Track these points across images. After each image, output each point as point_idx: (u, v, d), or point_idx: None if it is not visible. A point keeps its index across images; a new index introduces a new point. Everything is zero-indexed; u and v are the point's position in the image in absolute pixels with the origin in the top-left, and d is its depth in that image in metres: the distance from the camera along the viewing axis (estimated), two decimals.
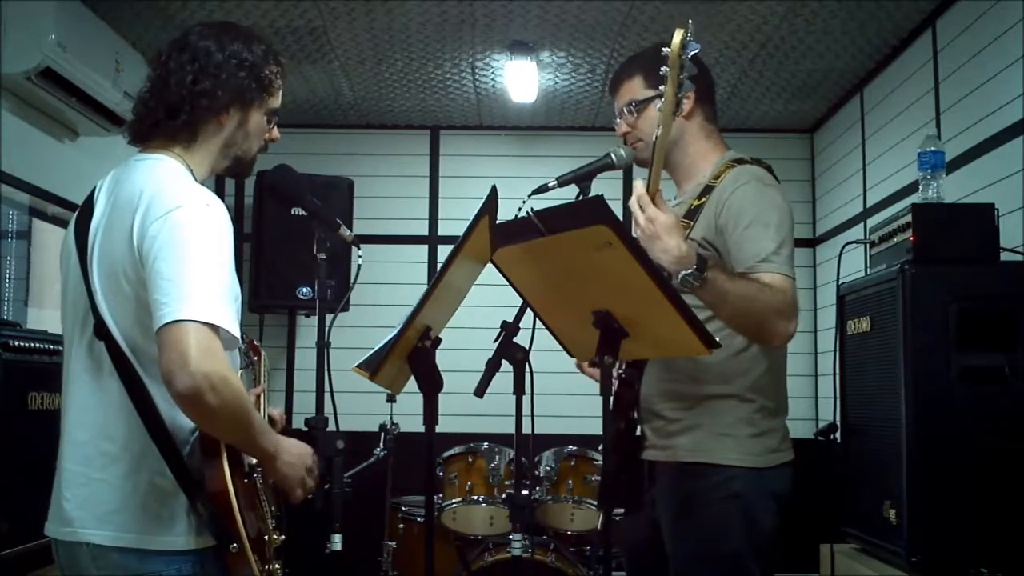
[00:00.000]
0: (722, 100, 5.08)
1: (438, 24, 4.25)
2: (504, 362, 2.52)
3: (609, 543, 2.24)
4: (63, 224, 4.00)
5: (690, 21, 2.02)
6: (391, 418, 4.31)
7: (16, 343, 2.79)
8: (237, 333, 1.78)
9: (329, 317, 2.67)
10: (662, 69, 2.02)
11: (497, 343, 2.52)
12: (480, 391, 2.43)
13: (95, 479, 1.80)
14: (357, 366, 2.18)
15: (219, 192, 5.20)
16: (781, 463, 2.38)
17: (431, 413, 2.22)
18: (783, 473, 2.38)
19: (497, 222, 2.19)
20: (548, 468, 4.31)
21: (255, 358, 2.47)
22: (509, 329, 2.52)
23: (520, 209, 2.15)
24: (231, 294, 1.79)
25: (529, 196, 2.33)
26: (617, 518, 3.34)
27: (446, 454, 4.40)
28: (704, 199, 2.41)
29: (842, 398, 3.49)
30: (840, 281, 3.55)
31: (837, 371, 3.50)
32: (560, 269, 2.17)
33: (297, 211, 2.71)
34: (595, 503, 4.16)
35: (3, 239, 3.94)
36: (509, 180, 3.59)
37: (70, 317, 1.90)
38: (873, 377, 3.21)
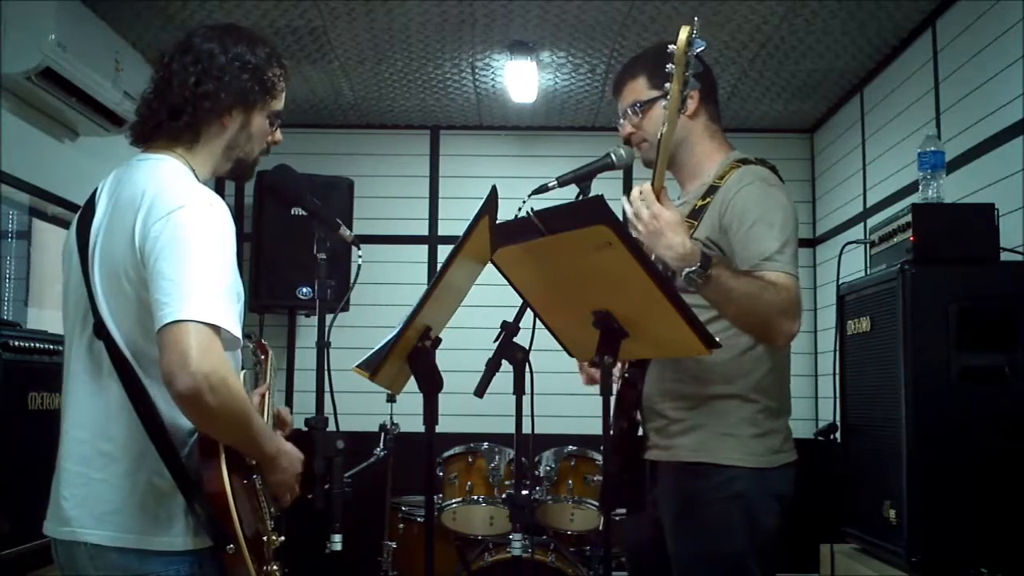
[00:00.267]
0: (722, 100, 5.02)
1: (438, 24, 4.25)
2: (504, 362, 2.52)
3: (609, 543, 2.24)
4: (63, 224, 4.01)
5: (696, 18, 2.02)
6: (391, 418, 4.31)
7: (16, 343, 2.79)
8: (239, 333, 1.78)
9: (329, 317, 2.67)
10: (668, 66, 2.01)
11: (497, 343, 2.52)
12: (480, 391, 2.42)
13: (94, 479, 1.80)
14: (357, 366, 2.18)
15: (219, 192, 5.17)
16: (784, 464, 2.38)
17: (431, 413, 2.22)
18: (786, 474, 2.38)
19: (497, 222, 2.19)
20: (548, 468, 4.31)
21: (262, 357, 2.47)
22: (509, 329, 2.52)
23: (520, 209, 2.15)
24: (233, 294, 1.79)
25: (529, 196, 2.33)
26: (618, 518, 3.35)
27: (446, 454, 4.40)
28: (708, 199, 2.40)
29: (842, 398, 3.49)
30: (840, 281, 3.55)
31: (837, 371, 3.50)
32: (560, 269, 2.17)
33: (297, 211, 2.71)
34: (595, 503, 4.16)
35: (3, 239, 3.94)
36: (509, 180, 3.59)
37: (71, 317, 1.90)
38: (873, 377, 3.21)
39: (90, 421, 1.82)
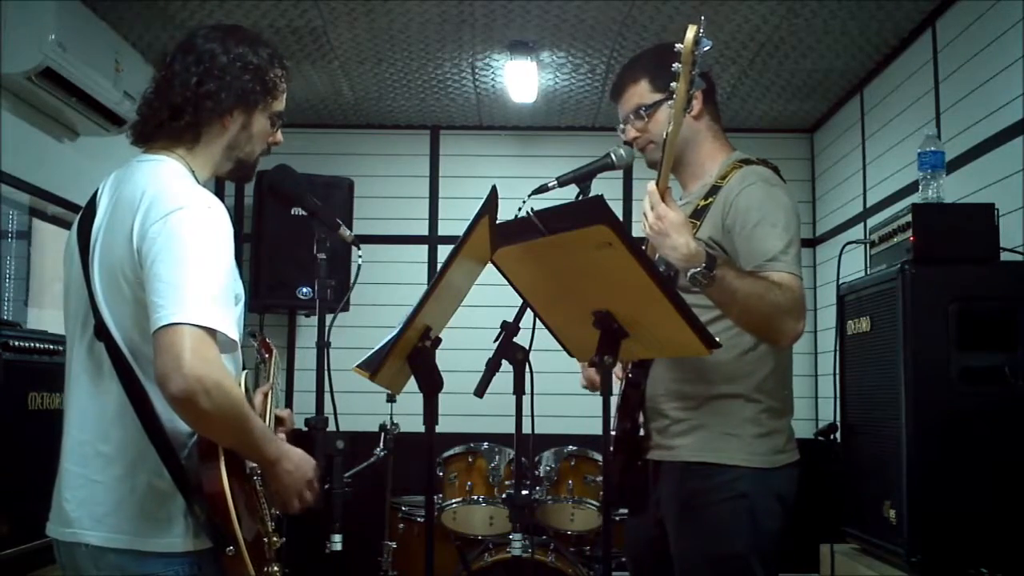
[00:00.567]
0: (722, 100, 5.06)
1: (438, 24, 4.25)
2: (504, 362, 2.52)
3: (609, 543, 2.24)
4: (63, 224, 4.01)
5: (703, 18, 2.02)
6: (391, 418, 4.31)
7: (16, 343, 2.79)
8: (235, 336, 1.78)
9: (329, 317, 2.67)
10: (674, 65, 2.01)
11: (497, 343, 2.52)
12: (480, 391, 2.43)
13: (93, 480, 1.80)
14: (357, 366, 2.18)
15: (219, 192, 5.21)
16: (786, 464, 2.38)
17: (431, 413, 2.22)
18: (788, 474, 2.38)
19: (497, 222, 2.19)
20: (548, 468, 4.31)
21: (266, 355, 2.46)
22: (509, 329, 2.52)
23: (520, 209, 2.15)
24: (230, 296, 1.79)
25: (529, 196, 2.33)
26: (619, 519, 3.35)
27: (446, 454, 4.40)
28: (711, 199, 2.40)
29: (842, 398, 3.49)
30: (840, 281, 3.55)
31: (837, 371, 3.50)
32: (560, 269, 2.17)
33: (297, 211, 2.71)
34: (595, 503, 4.16)
35: (3, 239, 3.94)
36: (509, 180, 3.59)
37: (72, 318, 1.90)
38: (873, 377, 3.21)
39: (90, 422, 1.83)
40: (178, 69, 1.91)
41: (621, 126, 2.55)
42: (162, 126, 1.91)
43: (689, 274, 2.14)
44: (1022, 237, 3.24)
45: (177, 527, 1.79)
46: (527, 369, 2.54)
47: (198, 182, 1.90)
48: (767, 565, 2.33)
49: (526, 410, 2.55)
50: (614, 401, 2.47)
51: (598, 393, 2.19)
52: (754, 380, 2.37)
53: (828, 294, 4.85)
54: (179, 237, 1.74)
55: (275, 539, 1.94)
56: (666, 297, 2.00)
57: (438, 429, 2.25)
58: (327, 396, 2.65)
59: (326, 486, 2.62)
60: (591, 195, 2.27)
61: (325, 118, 5.59)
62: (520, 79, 4.73)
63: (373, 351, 2.17)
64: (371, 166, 5.64)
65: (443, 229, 5.65)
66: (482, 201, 2.14)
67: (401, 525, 4.36)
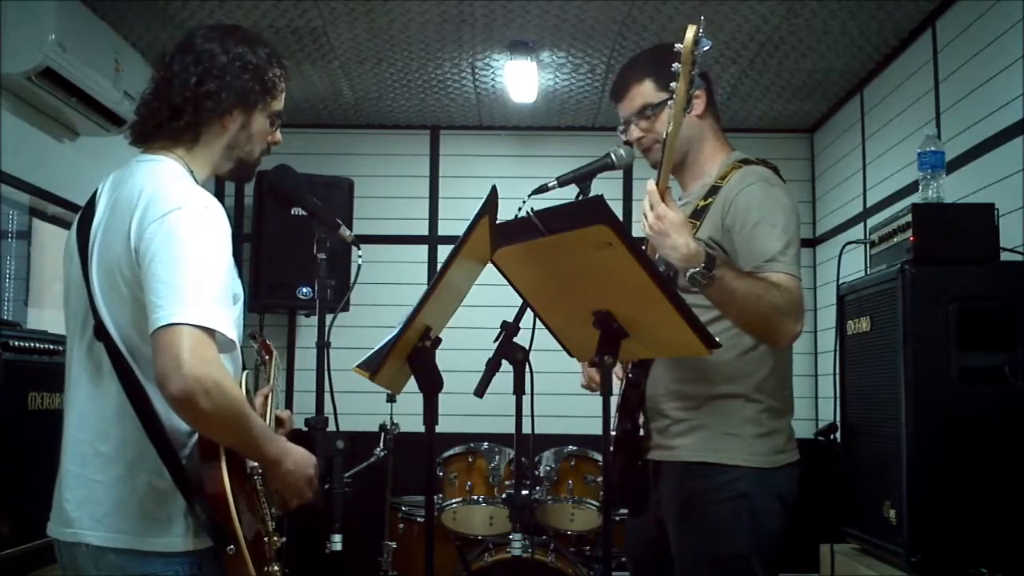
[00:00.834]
0: (722, 100, 5.08)
1: (438, 24, 4.25)
2: (504, 362, 2.52)
3: (609, 543, 2.24)
4: (63, 224, 4.01)
5: (703, 17, 2.02)
6: (391, 418, 4.31)
7: (16, 343, 2.79)
8: (234, 336, 1.78)
9: (329, 317, 2.67)
10: (674, 66, 2.01)
11: (497, 343, 2.52)
12: (480, 391, 2.43)
13: (92, 480, 1.80)
14: (357, 366, 2.18)
15: (219, 192, 5.21)
16: (786, 463, 2.38)
17: (431, 413, 2.22)
18: (789, 474, 2.38)
19: (497, 222, 2.19)
20: (548, 468, 4.31)
21: (267, 357, 2.46)
22: (509, 329, 2.52)
23: (520, 209, 2.15)
24: (229, 296, 1.79)
25: (529, 196, 2.33)
26: (619, 518, 3.35)
27: (446, 454, 4.40)
28: (710, 200, 2.40)
29: (842, 398, 3.49)
30: (840, 281, 3.55)
31: (837, 371, 3.50)
32: (560, 269, 2.17)
33: (297, 211, 2.71)
34: (595, 503, 4.16)
35: (3, 239, 3.94)
36: (509, 180, 3.59)
37: (72, 318, 1.90)
38: (873, 377, 3.21)
39: (90, 422, 1.83)
40: (177, 69, 1.91)
41: (622, 127, 2.54)
42: (161, 126, 1.91)
43: (688, 274, 2.14)
44: (1022, 237, 3.24)
45: (177, 527, 1.79)
46: (527, 369, 2.54)
47: (197, 182, 1.90)
48: (767, 565, 2.33)
49: (526, 410, 2.55)
50: (614, 401, 2.47)
51: (598, 393, 2.19)
52: (754, 380, 2.37)
53: (828, 294, 4.85)
54: (177, 237, 1.74)
55: (275, 538, 1.94)
56: (666, 297, 2.00)
57: (438, 429, 2.25)
58: (327, 396, 2.65)
59: (326, 486, 2.62)
60: (591, 195, 2.27)
61: (325, 118, 5.59)
62: (520, 79, 4.73)
63: (373, 351, 2.18)
64: (371, 166, 5.64)
65: (443, 229, 5.65)
66: (482, 201, 2.14)
67: (401, 525, 4.36)
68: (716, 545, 2.32)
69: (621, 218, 2.00)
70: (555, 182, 2.42)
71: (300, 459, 1.92)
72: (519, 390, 2.54)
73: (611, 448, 2.35)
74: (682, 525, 2.37)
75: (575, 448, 4.32)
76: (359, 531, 3.34)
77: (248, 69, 1.93)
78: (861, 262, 4.29)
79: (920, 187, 3.27)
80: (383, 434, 4.33)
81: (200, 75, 1.90)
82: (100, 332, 1.80)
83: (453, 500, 4.26)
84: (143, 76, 3.91)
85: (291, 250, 4.70)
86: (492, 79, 4.95)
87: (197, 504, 1.77)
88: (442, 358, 2.22)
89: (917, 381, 2.90)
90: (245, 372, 1.98)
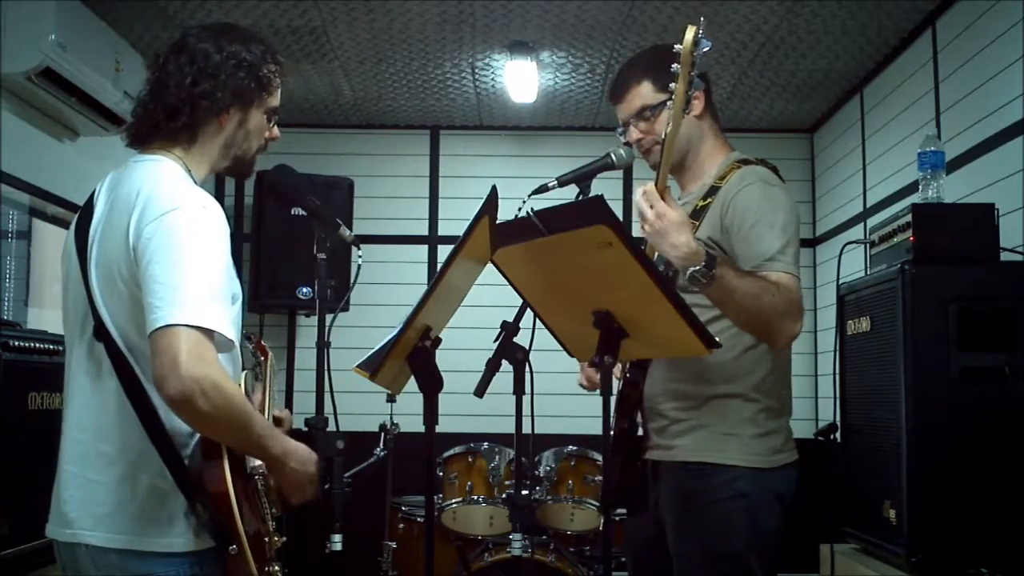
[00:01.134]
0: (722, 100, 5.08)
1: (438, 24, 4.25)
2: (504, 362, 2.52)
3: (609, 543, 2.24)
4: (63, 224, 4.01)
5: (702, 19, 2.02)
6: (391, 418, 4.31)
7: (16, 343, 2.79)
8: (232, 336, 1.78)
9: (329, 317, 2.67)
10: (673, 66, 2.01)
11: (497, 343, 2.52)
12: (480, 391, 2.42)
13: (92, 480, 1.80)
14: (357, 366, 2.18)
15: (219, 192, 5.22)
16: (785, 464, 2.38)
17: (431, 413, 2.22)
18: (788, 474, 2.38)
19: (497, 222, 2.19)
20: (548, 468, 4.31)
21: (262, 358, 2.46)
22: (509, 329, 2.52)
23: (520, 209, 2.15)
24: (227, 296, 1.79)
25: (529, 196, 2.33)
26: (619, 518, 3.34)
27: (446, 454, 4.40)
28: (709, 200, 2.40)
29: (842, 398, 3.49)
30: (840, 281, 3.55)
31: (837, 371, 3.50)
32: (560, 269, 2.17)
33: (297, 211, 2.70)
34: (595, 503, 4.16)
35: (3, 239, 3.94)
36: (509, 180, 3.59)
37: (71, 318, 1.90)
38: (873, 377, 3.21)
39: (90, 423, 1.83)
40: (172, 70, 1.91)
41: (621, 128, 2.54)
42: (158, 127, 1.91)
43: (688, 273, 2.14)
44: (1022, 237, 3.24)
45: (178, 527, 1.79)
46: (527, 369, 2.54)
47: (195, 182, 1.90)
48: (766, 565, 2.33)
49: (526, 410, 2.55)
50: (614, 401, 2.47)
51: (597, 393, 2.19)
52: (752, 380, 2.37)
53: (828, 294, 4.85)
54: (175, 237, 1.74)
55: (275, 538, 1.94)
56: (666, 297, 2.00)
57: (438, 429, 2.25)
58: (327, 396, 2.65)
59: (326, 486, 2.61)
60: (591, 195, 2.27)
61: (325, 118, 5.59)
62: (520, 79, 4.73)
63: (373, 351, 2.18)
64: (371, 166, 5.64)
65: (443, 229, 5.65)
66: (482, 201, 2.14)
67: (401, 525, 4.36)
68: (715, 545, 2.32)
69: (621, 218, 2.00)
70: (555, 182, 2.42)
71: (303, 457, 1.92)
72: (519, 390, 2.54)
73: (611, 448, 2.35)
74: (681, 525, 2.37)
75: (575, 448, 4.32)
76: (359, 531, 3.33)
77: (243, 67, 1.93)
78: (861, 262, 4.29)
79: (920, 187, 3.27)
80: (383, 434, 4.34)
81: (195, 75, 1.89)
82: (100, 332, 1.80)
83: (453, 500, 4.26)
84: (143, 76, 3.85)
85: (291, 250, 4.70)
86: (492, 79, 4.95)
87: (199, 504, 1.77)
88: (442, 358, 2.22)
89: (917, 381, 2.90)
90: (244, 372, 1.97)
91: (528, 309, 2.44)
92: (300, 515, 2.21)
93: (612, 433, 2.42)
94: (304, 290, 4.66)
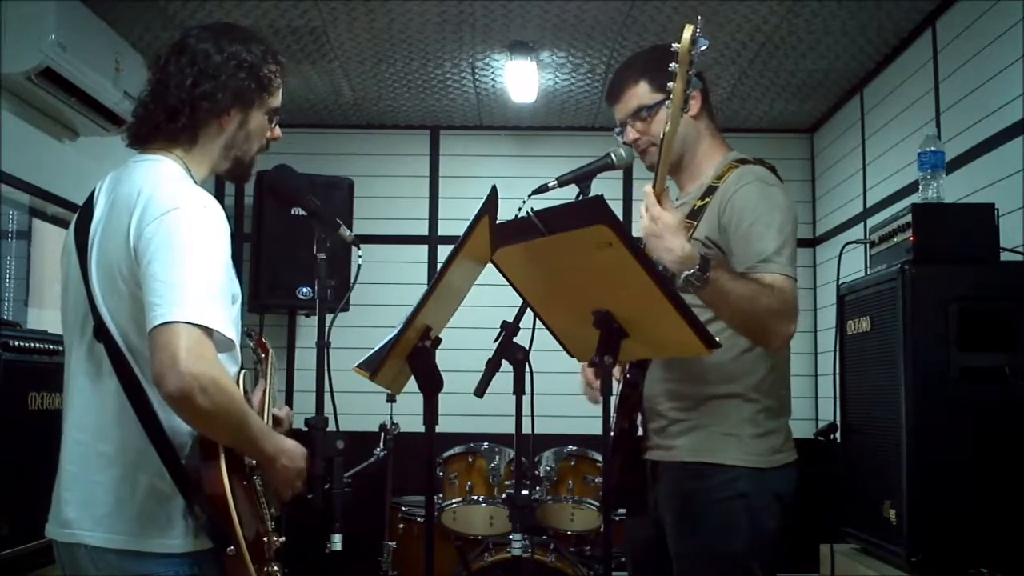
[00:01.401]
0: (722, 100, 5.08)
1: (438, 24, 4.25)
2: (504, 362, 2.52)
3: (609, 543, 2.24)
4: (63, 224, 4.01)
5: (700, 17, 2.02)
6: (391, 418, 4.31)
7: (16, 343, 2.79)
8: (232, 335, 1.78)
9: (329, 317, 2.67)
10: (671, 65, 2.01)
11: (497, 343, 2.52)
12: (480, 391, 2.42)
13: (92, 480, 1.80)
14: (357, 366, 2.18)
15: (219, 192, 5.21)
16: (784, 464, 2.38)
17: (431, 413, 2.22)
18: (787, 474, 2.38)
19: (497, 222, 2.19)
20: (548, 468, 4.31)
21: (263, 355, 2.46)
22: (509, 329, 2.52)
23: (520, 209, 2.15)
24: (227, 296, 1.79)
25: (529, 196, 2.33)
26: (619, 518, 3.34)
27: (446, 454, 4.40)
28: (707, 199, 2.41)
29: (842, 398, 3.49)
30: (840, 281, 3.54)
31: (837, 371, 3.50)
32: (560, 269, 2.17)
33: (297, 211, 2.70)
34: (595, 503, 4.16)
35: (3, 239, 3.94)
36: (509, 180, 3.59)
37: (70, 318, 1.90)
38: (873, 377, 3.21)
39: (90, 423, 1.83)
40: (172, 71, 1.91)
41: (618, 128, 2.55)
42: (159, 128, 1.91)
43: (683, 276, 2.14)
44: (1022, 237, 3.24)
45: (177, 527, 1.79)
46: (527, 369, 2.54)
47: (195, 182, 1.90)
48: (766, 565, 2.33)
49: (526, 410, 2.55)
50: (614, 402, 2.47)
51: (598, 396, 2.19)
52: (752, 380, 2.37)
53: (828, 294, 4.85)
54: (175, 237, 1.74)
55: (275, 538, 1.94)
56: (666, 297, 2.00)
57: (438, 429, 2.25)
58: (327, 396, 2.65)
59: (326, 486, 2.61)
60: (591, 195, 2.27)
61: (325, 118, 5.59)
62: (520, 79, 4.73)
63: (373, 351, 2.18)
64: (371, 166, 5.64)
65: (443, 229, 5.65)
66: (482, 201, 2.14)
67: (401, 525, 4.36)
68: (714, 545, 2.32)
69: (621, 218, 2.00)
70: (555, 182, 2.42)
71: (294, 453, 1.94)
72: (519, 390, 2.54)
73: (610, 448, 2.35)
74: (680, 525, 2.37)
75: (575, 448, 4.32)
76: (359, 531, 3.33)
77: (243, 67, 1.93)
78: (861, 262, 4.29)
79: (920, 187, 3.27)
80: (383, 434, 4.34)
81: (195, 76, 1.89)
82: (100, 332, 1.80)
83: (453, 500, 4.26)
84: (143, 76, 3.91)
85: (291, 250, 4.70)
86: (492, 79, 4.95)
87: (197, 505, 1.77)
88: (442, 358, 2.22)
89: (917, 381, 2.90)
90: (243, 371, 1.98)
91: (528, 309, 2.44)
92: (300, 515, 2.21)
93: (612, 433, 2.42)
94: (304, 290, 4.68)
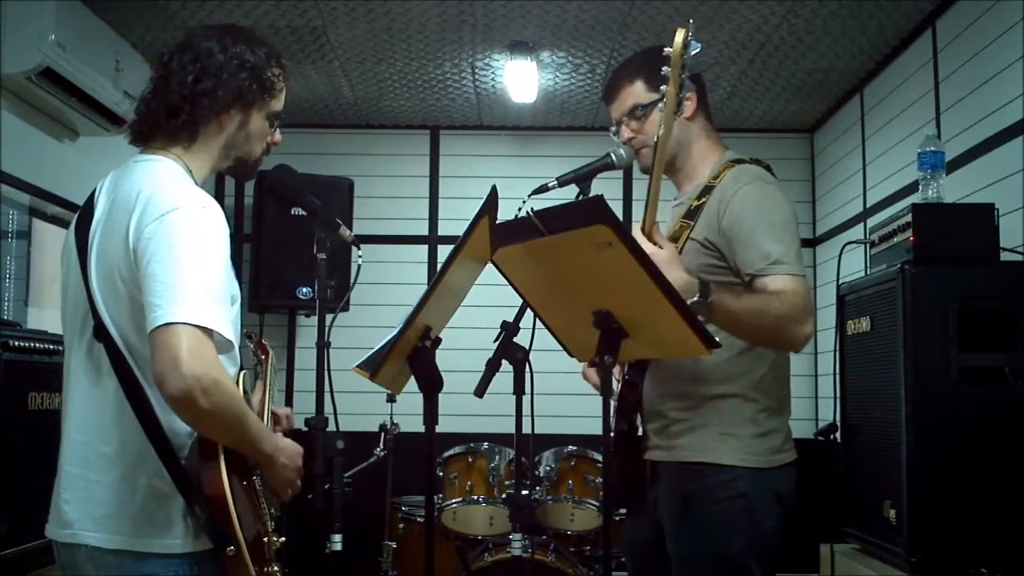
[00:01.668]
0: (722, 100, 5.08)
1: (438, 24, 4.25)
2: (504, 362, 2.52)
3: (609, 543, 2.24)
4: (63, 224, 4.01)
5: (691, 20, 2.02)
6: (391, 418, 4.31)
7: (16, 343, 2.78)
8: (231, 336, 1.78)
9: (329, 317, 2.67)
10: (663, 69, 2.01)
11: (497, 343, 2.52)
12: (480, 391, 2.42)
13: (92, 481, 1.80)
14: (357, 366, 2.18)
15: (219, 192, 5.22)
16: (784, 463, 2.38)
17: (431, 413, 2.22)
18: (787, 474, 2.38)
19: (497, 222, 2.19)
20: (548, 468, 4.31)
21: (263, 356, 2.47)
22: (509, 329, 2.52)
23: (520, 209, 2.15)
24: (227, 296, 1.79)
25: (529, 196, 2.33)
26: (619, 518, 3.34)
27: (446, 454, 4.40)
28: (704, 199, 2.41)
29: (842, 398, 3.49)
30: (840, 281, 3.55)
31: (837, 371, 3.50)
32: (560, 269, 2.17)
33: (297, 211, 2.71)
34: (595, 503, 4.16)
35: (3, 239, 3.94)
36: (509, 180, 3.59)
37: (70, 318, 1.90)
38: (873, 377, 3.21)
39: (90, 423, 1.82)
40: (175, 68, 1.91)
41: (614, 128, 2.55)
42: (159, 125, 1.91)
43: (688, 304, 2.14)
44: (1022, 237, 3.24)
45: (177, 528, 1.79)
46: (527, 369, 2.54)
47: (195, 182, 1.90)
48: (765, 565, 2.33)
49: (526, 410, 2.55)
50: (614, 401, 2.47)
51: (598, 393, 2.19)
52: (751, 379, 2.37)
53: (828, 294, 4.84)
54: (174, 237, 1.74)
55: (275, 539, 1.94)
56: (666, 297, 2.00)
57: (438, 429, 2.25)
58: (327, 396, 2.65)
59: (326, 486, 2.61)
60: (591, 195, 2.27)
61: (325, 118, 5.59)
62: (520, 79, 4.73)
63: (373, 351, 2.18)
64: (371, 166, 5.64)
65: (443, 229, 5.65)
66: (482, 201, 2.14)
67: (401, 525, 4.36)
68: (714, 545, 2.32)
69: (621, 218, 2.00)
70: (555, 182, 2.42)
71: (292, 453, 1.94)
72: (519, 390, 2.54)
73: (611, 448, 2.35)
74: (680, 525, 2.37)
75: (575, 448, 4.32)
76: (359, 531, 3.34)
77: (246, 68, 1.93)
78: (861, 262, 4.29)
79: (920, 187, 3.27)
80: (383, 434, 4.34)
81: (197, 73, 1.89)
82: (100, 332, 1.80)
83: (453, 500, 4.26)
84: (143, 76, 3.89)
85: (291, 250, 4.70)
86: (492, 79, 4.95)
87: (197, 505, 1.76)
88: (442, 358, 2.22)
89: (917, 381, 2.90)
90: (243, 372, 1.98)
91: (528, 309, 2.44)
92: (300, 515, 2.21)
93: (612, 433, 2.42)
94: (304, 290, 4.69)
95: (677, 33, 1.99)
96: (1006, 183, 3.37)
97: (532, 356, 2.53)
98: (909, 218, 3.06)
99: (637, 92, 2.48)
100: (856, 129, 4.91)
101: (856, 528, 3.35)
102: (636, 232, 2.18)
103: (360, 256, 2.67)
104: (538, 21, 4.22)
